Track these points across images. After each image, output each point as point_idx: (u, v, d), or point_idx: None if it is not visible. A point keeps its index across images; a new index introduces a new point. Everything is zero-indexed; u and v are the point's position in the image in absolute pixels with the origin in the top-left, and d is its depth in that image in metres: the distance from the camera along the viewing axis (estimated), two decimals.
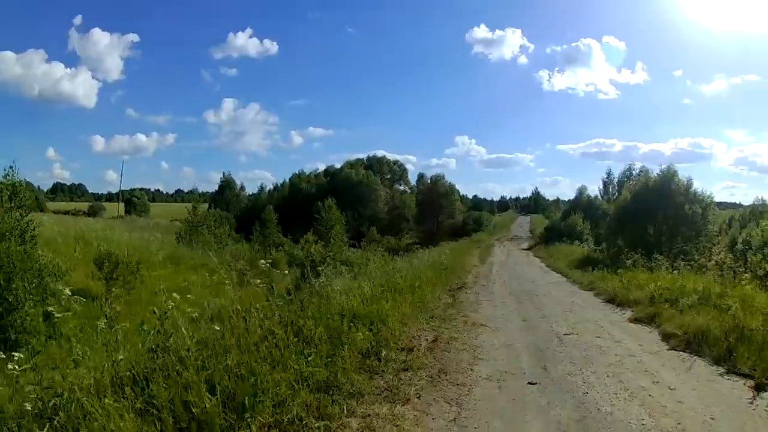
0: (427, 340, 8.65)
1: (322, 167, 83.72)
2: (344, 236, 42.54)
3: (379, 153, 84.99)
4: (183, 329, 5.39)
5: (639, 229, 26.69)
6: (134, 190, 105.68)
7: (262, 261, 10.11)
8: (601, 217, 42.44)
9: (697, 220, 26.36)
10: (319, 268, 11.49)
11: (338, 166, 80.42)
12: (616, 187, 51.70)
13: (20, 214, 12.79)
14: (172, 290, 6.45)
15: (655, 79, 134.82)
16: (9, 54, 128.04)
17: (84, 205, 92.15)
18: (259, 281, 7.45)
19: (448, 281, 17.37)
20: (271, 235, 38.75)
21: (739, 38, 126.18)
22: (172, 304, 5.56)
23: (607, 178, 55.93)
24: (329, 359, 6.18)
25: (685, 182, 27.21)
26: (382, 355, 6.98)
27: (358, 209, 70.40)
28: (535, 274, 23.29)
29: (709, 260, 22.58)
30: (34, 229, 13.14)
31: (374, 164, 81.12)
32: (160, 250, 25.15)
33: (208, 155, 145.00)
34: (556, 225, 44.97)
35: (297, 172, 80.00)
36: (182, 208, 63.53)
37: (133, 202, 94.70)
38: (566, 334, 9.60)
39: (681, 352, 8.22)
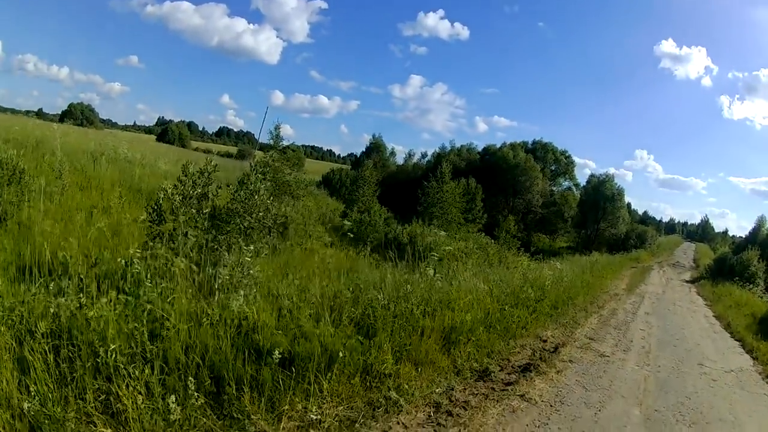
0: None
1: None
2: (458, 216, 34.18)
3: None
4: None
5: None
6: (293, 144, 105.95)
7: None
8: None
9: None
10: None
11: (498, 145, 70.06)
12: None
13: None
14: None
15: None
16: (186, 4, 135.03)
17: (234, 149, 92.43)
18: None
19: (523, 335, 8.77)
20: (362, 196, 31.56)
21: None
22: None
23: None
24: None
25: None
26: None
27: (508, 196, 61.32)
28: (702, 339, 13.18)
29: None
30: None
31: (538, 149, 69.25)
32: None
33: (390, 127, 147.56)
34: (727, 259, 34.67)
35: (448, 143, 71.70)
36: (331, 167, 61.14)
37: (287, 153, 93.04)
38: None
39: None
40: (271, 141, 25.56)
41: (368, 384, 5.53)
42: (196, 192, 7.55)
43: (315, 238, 18.19)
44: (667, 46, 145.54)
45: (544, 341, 8.90)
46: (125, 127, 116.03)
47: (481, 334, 7.63)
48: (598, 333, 10.81)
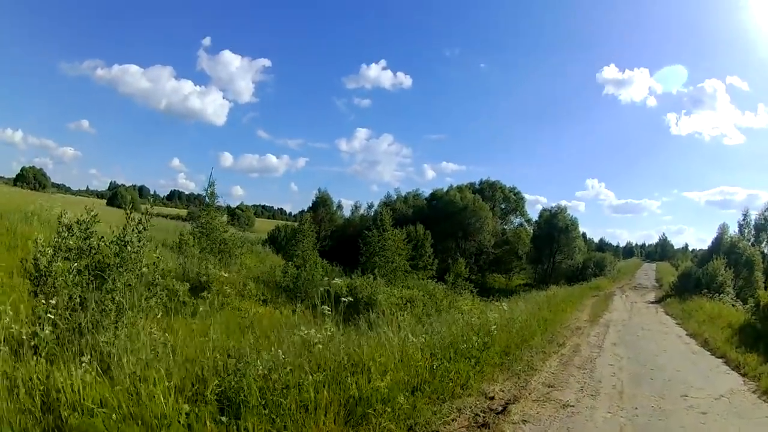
0: None
1: None
2: (404, 264, 33.16)
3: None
4: None
5: None
6: (243, 203, 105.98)
7: None
8: (744, 264, 35.57)
9: None
10: None
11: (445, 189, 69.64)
12: (753, 231, 45.82)
13: None
14: None
15: None
16: (134, 68, 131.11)
17: (184, 212, 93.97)
18: None
19: (462, 394, 7.03)
20: (301, 250, 30.05)
21: None
22: None
23: (743, 220, 46.96)
24: None
25: None
26: None
27: (459, 240, 60.95)
28: (681, 364, 11.77)
29: None
30: None
31: (485, 189, 69.44)
32: None
33: (340, 181, 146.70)
34: (692, 273, 34.23)
35: (393, 192, 71.29)
36: (279, 224, 60.91)
37: (237, 214, 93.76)
38: None
39: None
40: (206, 198, 24.42)
41: None
42: (67, 244, 6.98)
43: (248, 296, 17.32)
44: (609, 71, 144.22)
45: (491, 398, 7.21)
46: (78, 192, 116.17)
47: (403, 402, 5.82)
48: (559, 377, 9.23)
